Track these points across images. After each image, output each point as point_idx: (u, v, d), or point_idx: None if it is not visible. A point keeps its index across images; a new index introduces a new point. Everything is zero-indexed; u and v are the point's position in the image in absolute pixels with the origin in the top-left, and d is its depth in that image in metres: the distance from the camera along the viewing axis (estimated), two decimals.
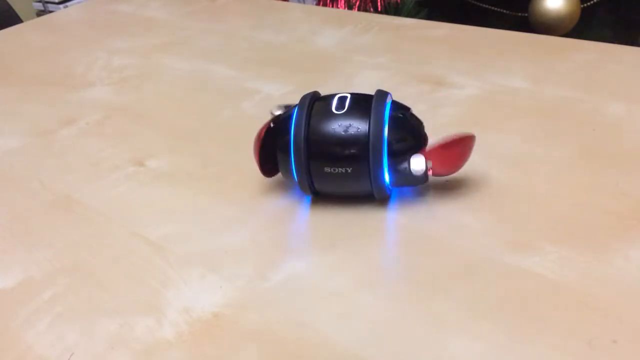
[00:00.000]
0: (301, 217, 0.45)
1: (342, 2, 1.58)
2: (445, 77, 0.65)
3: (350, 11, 0.92)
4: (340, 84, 0.65)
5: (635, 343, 0.33)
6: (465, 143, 0.44)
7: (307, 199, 0.47)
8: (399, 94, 0.61)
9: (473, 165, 0.49)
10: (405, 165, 0.43)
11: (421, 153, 0.43)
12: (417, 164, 0.42)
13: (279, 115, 0.46)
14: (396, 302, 0.37)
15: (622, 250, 0.39)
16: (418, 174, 0.43)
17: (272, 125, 0.45)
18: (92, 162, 0.55)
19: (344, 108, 0.43)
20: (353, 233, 0.43)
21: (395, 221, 0.44)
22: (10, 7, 1.23)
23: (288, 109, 0.46)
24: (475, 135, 0.53)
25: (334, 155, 0.42)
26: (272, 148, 0.45)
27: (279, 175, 0.49)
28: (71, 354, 0.36)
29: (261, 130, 0.45)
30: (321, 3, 1.62)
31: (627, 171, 0.47)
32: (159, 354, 0.35)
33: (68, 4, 2.24)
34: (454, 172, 0.45)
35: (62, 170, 0.54)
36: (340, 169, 0.42)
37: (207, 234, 0.45)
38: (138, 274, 0.41)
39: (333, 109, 0.43)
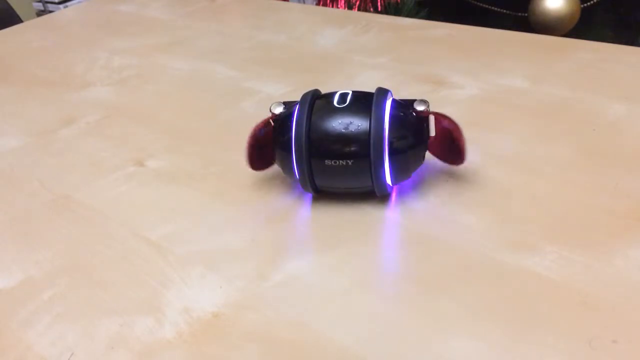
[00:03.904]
0: (301, 217, 0.45)
1: (342, 2, 1.58)
2: (445, 77, 0.65)
3: (350, 11, 0.92)
4: (341, 84, 0.65)
5: (635, 343, 0.33)
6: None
7: (307, 198, 0.47)
8: (399, 94, 0.61)
9: (473, 165, 0.49)
10: (405, 160, 0.43)
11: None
12: (420, 104, 0.44)
13: (280, 114, 0.46)
14: (396, 302, 0.37)
15: (622, 250, 0.39)
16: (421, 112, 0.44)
17: (272, 123, 0.46)
18: (92, 162, 0.55)
19: (345, 103, 0.43)
20: (353, 233, 0.43)
21: (395, 221, 0.44)
22: (10, 7, 1.23)
23: (288, 106, 0.46)
24: (475, 135, 0.53)
25: (334, 150, 0.42)
26: (265, 143, 0.46)
27: (280, 174, 0.49)
28: (71, 354, 0.36)
29: (258, 125, 0.46)
30: (321, 3, 1.62)
31: (627, 171, 0.47)
32: (159, 354, 0.35)
33: (68, 4, 2.24)
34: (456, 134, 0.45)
35: (62, 170, 0.54)
36: (341, 161, 0.42)
37: (207, 234, 0.45)
38: (138, 274, 0.41)
39: (335, 103, 0.43)
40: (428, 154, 0.47)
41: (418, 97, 0.61)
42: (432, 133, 0.47)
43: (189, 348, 0.36)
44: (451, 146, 0.46)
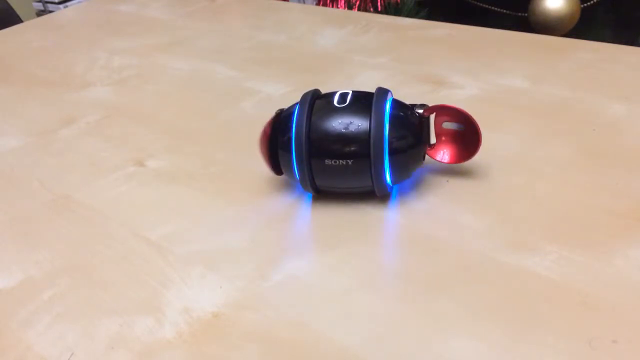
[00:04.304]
0: (301, 217, 0.45)
1: (342, 2, 1.58)
2: (445, 77, 0.65)
3: (350, 11, 0.92)
4: (341, 84, 0.65)
5: (635, 343, 0.33)
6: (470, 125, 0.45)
7: (307, 198, 0.47)
8: (399, 94, 0.61)
9: (473, 165, 0.49)
10: (405, 160, 0.43)
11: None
12: (421, 108, 0.45)
13: (281, 111, 0.46)
14: (396, 302, 0.37)
15: (622, 250, 0.39)
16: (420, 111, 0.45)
17: (275, 120, 0.45)
18: (92, 162, 0.55)
19: (345, 102, 0.43)
20: (353, 233, 0.43)
21: (395, 221, 0.44)
22: (10, 7, 1.23)
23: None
24: None
25: (335, 150, 0.42)
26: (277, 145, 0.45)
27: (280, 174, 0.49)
28: (71, 354, 0.36)
29: (266, 128, 0.45)
30: (321, 3, 1.62)
31: (627, 171, 0.47)
32: (159, 354, 0.35)
33: (68, 4, 2.24)
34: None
35: (62, 170, 0.54)
36: (341, 161, 0.42)
37: (207, 234, 0.45)
38: (138, 274, 0.41)
39: (335, 103, 0.43)
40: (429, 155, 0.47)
41: (418, 97, 0.61)
42: (433, 140, 0.47)
43: (189, 348, 0.36)
44: (465, 130, 0.46)
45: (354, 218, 0.45)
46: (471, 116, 0.45)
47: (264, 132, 0.45)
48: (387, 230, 0.43)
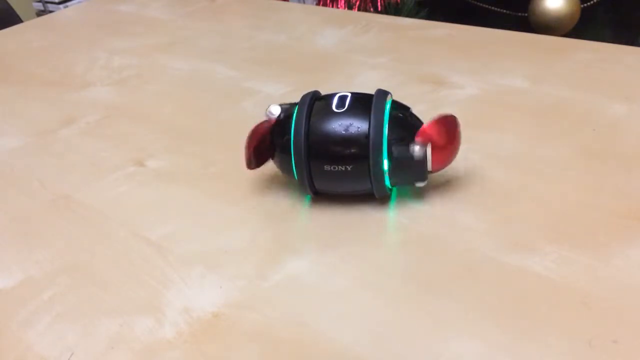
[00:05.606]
0: (301, 217, 0.45)
1: (342, 2, 1.58)
2: (445, 77, 0.65)
3: (350, 11, 0.92)
4: (341, 84, 0.65)
5: (635, 343, 0.33)
6: (450, 120, 0.43)
7: (307, 198, 0.47)
8: (399, 94, 0.61)
9: (473, 165, 0.49)
10: (405, 163, 0.43)
11: (419, 136, 0.42)
12: (418, 149, 0.42)
13: (279, 115, 0.46)
14: (396, 302, 0.37)
15: (622, 250, 0.39)
16: (419, 157, 0.42)
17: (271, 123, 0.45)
18: (92, 162, 0.55)
19: (344, 106, 0.43)
20: (353, 233, 0.43)
21: (395, 221, 0.44)
22: (10, 7, 1.24)
23: (286, 107, 0.46)
24: (475, 135, 0.53)
25: (334, 154, 0.42)
26: (263, 143, 0.46)
27: (279, 175, 0.49)
28: (71, 354, 0.36)
29: (258, 128, 0.45)
30: (321, 3, 1.62)
31: (627, 171, 0.47)
32: (159, 354, 0.35)
33: (68, 4, 2.24)
34: (450, 154, 0.44)
35: (62, 170, 0.54)
36: (340, 167, 0.42)
37: (207, 234, 0.45)
38: (138, 274, 0.41)
39: (333, 107, 0.43)
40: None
41: (418, 97, 0.61)
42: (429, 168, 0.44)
43: (189, 348, 0.36)
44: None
45: (353, 218, 0.45)
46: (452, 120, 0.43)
47: (256, 131, 0.45)
48: (387, 230, 0.43)
